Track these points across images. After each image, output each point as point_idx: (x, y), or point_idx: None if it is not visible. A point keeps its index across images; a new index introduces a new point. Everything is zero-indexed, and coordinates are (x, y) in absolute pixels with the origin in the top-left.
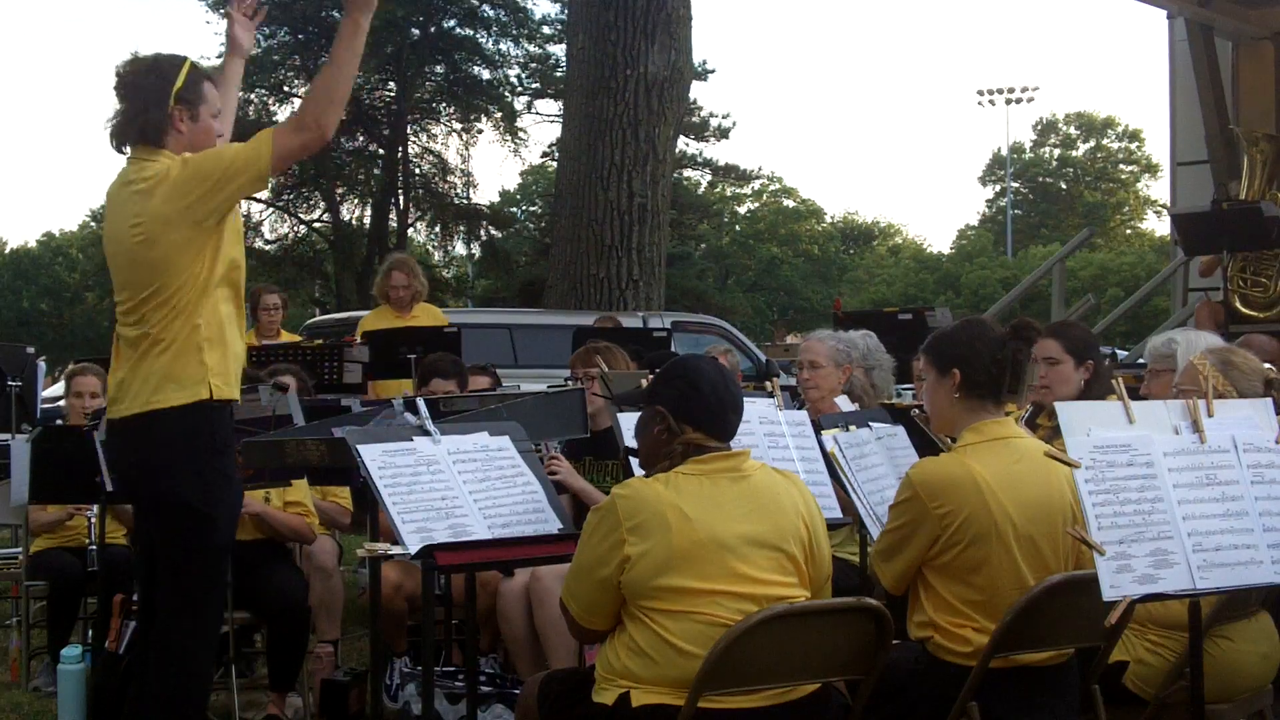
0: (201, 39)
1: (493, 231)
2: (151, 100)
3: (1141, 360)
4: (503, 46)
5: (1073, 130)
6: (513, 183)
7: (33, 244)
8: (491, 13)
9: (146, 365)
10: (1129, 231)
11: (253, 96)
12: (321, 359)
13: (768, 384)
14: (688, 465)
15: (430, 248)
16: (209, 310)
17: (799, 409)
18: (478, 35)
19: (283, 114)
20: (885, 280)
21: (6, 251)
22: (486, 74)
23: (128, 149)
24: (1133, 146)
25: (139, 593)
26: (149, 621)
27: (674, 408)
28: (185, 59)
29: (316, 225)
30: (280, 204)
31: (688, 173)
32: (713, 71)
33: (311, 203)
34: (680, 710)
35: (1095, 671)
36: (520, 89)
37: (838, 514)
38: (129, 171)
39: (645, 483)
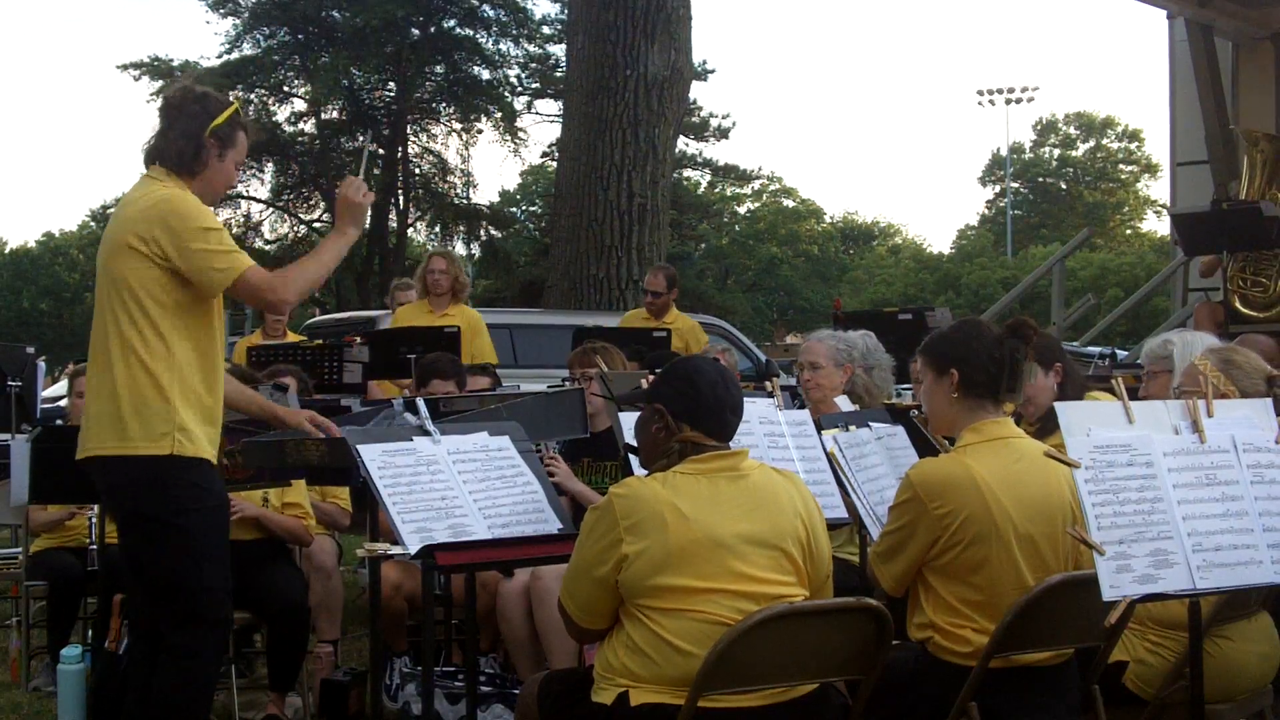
0: (201, 39)
1: (493, 231)
2: (190, 127)
3: (1140, 361)
4: (503, 46)
5: (1072, 130)
6: (513, 183)
7: (33, 244)
8: (491, 13)
9: (110, 385)
10: (1129, 231)
11: (252, 97)
12: (321, 359)
13: (768, 384)
14: (685, 464)
15: (430, 248)
16: (177, 344)
17: (799, 409)
18: (478, 35)
19: (282, 114)
20: (885, 280)
21: (6, 251)
22: (486, 74)
23: (152, 167)
24: (1133, 146)
25: (131, 598)
26: (136, 628)
27: (672, 406)
28: (234, 103)
29: (316, 225)
30: (280, 204)
31: (688, 173)
32: (713, 71)
33: (311, 203)
34: (679, 709)
35: (1095, 671)
36: (520, 89)
37: (841, 514)
38: (141, 186)
39: (642, 482)
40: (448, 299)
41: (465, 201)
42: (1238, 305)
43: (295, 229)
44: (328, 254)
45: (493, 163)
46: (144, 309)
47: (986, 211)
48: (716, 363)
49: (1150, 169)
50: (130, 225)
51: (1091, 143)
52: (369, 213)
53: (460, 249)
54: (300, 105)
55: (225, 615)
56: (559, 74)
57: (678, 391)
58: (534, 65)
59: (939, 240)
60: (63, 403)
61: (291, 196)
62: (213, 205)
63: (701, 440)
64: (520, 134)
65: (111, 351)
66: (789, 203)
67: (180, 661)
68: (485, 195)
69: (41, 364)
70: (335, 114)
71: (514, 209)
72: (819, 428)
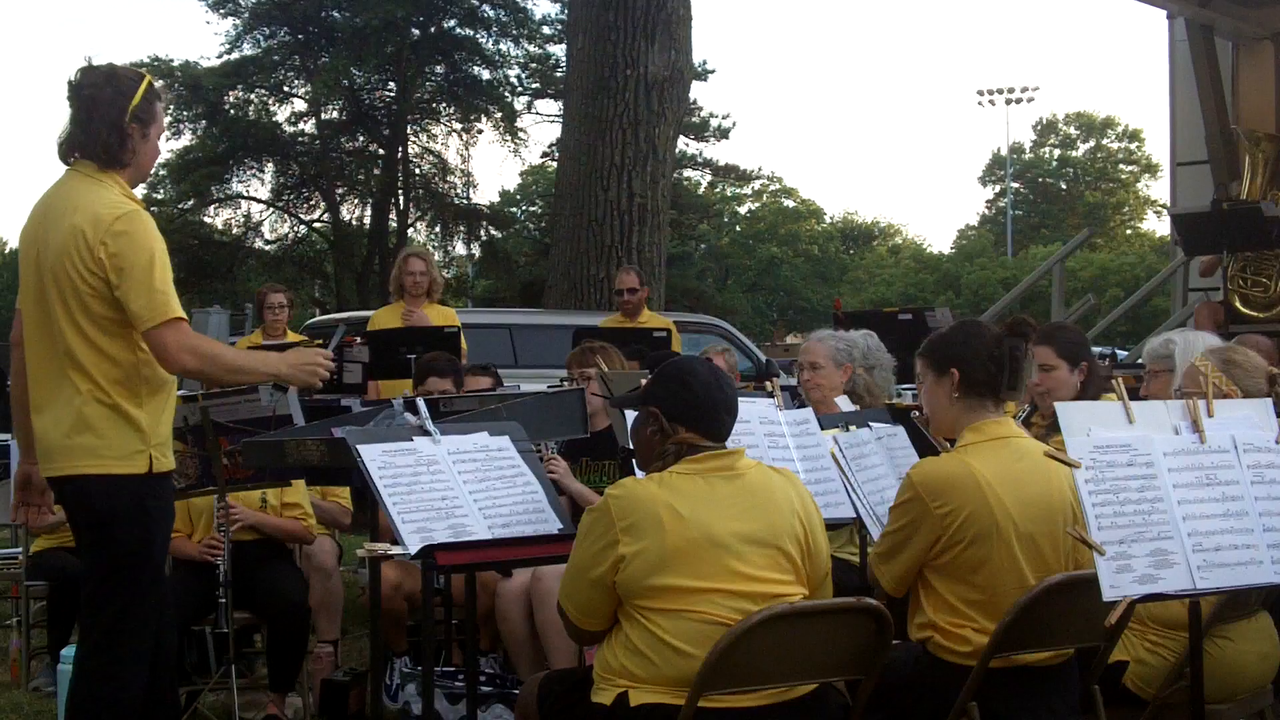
0: (201, 39)
1: (493, 231)
2: (109, 115)
3: (1141, 361)
4: (503, 46)
5: (1073, 130)
6: (513, 183)
7: None
8: (491, 13)
9: (77, 398)
10: (1129, 231)
11: (252, 97)
12: None
13: (768, 384)
14: (681, 465)
15: (430, 248)
16: (136, 350)
17: (799, 409)
18: (478, 35)
19: (282, 114)
20: (885, 280)
21: (7, 251)
22: (486, 74)
23: (75, 159)
24: (1133, 146)
25: None
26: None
27: (666, 408)
28: (144, 75)
29: (316, 225)
30: (280, 204)
31: (688, 173)
32: (713, 71)
33: (311, 203)
34: (679, 710)
35: (1095, 671)
36: (520, 89)
37: (842, 513)
38: (82, 189)
39: (638, 482)
40: (423, 299)
41: (465, 201)
42: (1238, 305)
43: (295, 229)
44: (254, 363)
45: (493, 163)
46: (95, 316)
47: (986, 211)
48: (709, 363)
49: (1150, 169)
50: (80, 232)
51: (1091, 143)
52: (311, 381)
53: (460, 249)
54: (300, 105)
55: (149, 641)
56: (559, 74)
57: (671, 393)
58: (534, 65)
59: (939, 240)
60: None
61: (291, 196)
62: (143, 183)
63: (696, 441)
64: (520, 134)
65: (74, 360)
66: (789, 203)
67: (100, 688)
68: (485, 195)
69: None
70: (335, 114)
71: (514, 209)
72: (820, 427)
